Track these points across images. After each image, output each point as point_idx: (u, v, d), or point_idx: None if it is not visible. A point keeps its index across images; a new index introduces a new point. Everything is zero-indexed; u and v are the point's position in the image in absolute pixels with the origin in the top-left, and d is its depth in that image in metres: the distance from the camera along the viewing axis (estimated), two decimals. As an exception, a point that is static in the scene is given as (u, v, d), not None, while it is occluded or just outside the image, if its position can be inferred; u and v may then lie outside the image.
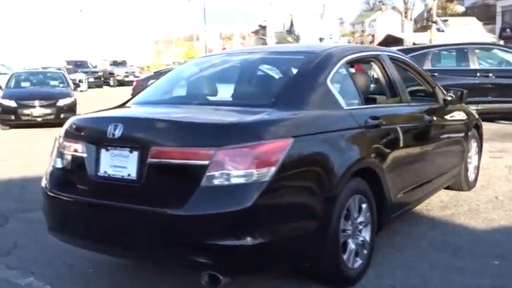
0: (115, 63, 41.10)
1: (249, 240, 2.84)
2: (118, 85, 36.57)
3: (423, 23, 79.11)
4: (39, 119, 13.79)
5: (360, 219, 3.59)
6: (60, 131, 3.67)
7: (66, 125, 3.66)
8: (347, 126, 3.55)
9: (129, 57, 47.58)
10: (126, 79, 36.51)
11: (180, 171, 2.99)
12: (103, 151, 3.28)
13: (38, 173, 7.70)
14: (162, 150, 3.01)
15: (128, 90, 25.06)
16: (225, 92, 3.99)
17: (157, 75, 20.42)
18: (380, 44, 53.01)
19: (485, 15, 72.01)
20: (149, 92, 4.26)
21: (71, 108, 14.21)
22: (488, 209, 5.22)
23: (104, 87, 36.22)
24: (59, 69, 22.66)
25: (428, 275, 3.69)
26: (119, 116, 3.44)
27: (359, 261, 3.57)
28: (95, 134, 3.40)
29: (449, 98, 5.16)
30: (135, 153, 3.13)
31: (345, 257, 3.42)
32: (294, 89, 3.45)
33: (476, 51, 11.35)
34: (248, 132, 2.96)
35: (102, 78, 37.09)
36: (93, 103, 18.97)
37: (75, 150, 3.42)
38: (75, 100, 14.52)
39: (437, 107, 4.99)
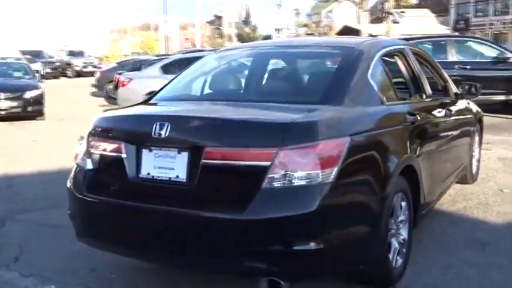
0: (72, 54, 39.80)
1: (313, 245, 2.71)
2: (76, 76, 35.49)
3: (377, 14, 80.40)
4: (3, 112, 13.19)
5: (401, 217, 3.52)
6: (88, 130, 3.44)
7: (96, 123, 3.43)
8: (393, 123, 3.47)
9: (86, 47, 46.23)
10: (85, 70, 35.45)
11: (238, 172, 2.81)
12: (145, 152, 3.08)
13: (21, 170, 7.42)
14: (218, 150, 2.83)
15: (87, 81, 24.35)
16: (262, 87, 3.83)
17: (121, 66, 19.90)
18: (338, 35, 53.51)
19: (438, 7, 73.71)
20: (176, 87, 4.04)
21: (38, 101, 13.64)
22: (497, 202, 5.26)
23: (61, 78, 35.10)
24: (18, 59, 21.71)
25: (466, 273, 3.66)
26: (165, 115, 3.21)
27: (400, 260, 3.50)
28: (135, 134, 3.19)
29: (460, 92, 5.17)
30: (184, 154, 2.94)
31: (390, 256, 3.35)
32: (340, 85, 3.31)
33: (454, 44, 11.53)
34: (312, 131, 2.80)
35: (59, 69, 35.87)
36: (55, 94, 18.38)
37: (112, 150, 3.20)
38: (43, 92, 13.93)
39: (451, 101, 4.98)
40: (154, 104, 3.82)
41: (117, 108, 3.75)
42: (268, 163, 2.71)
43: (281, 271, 2.77)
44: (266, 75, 4.10)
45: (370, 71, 3.51)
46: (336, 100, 3.18)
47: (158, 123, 2.98)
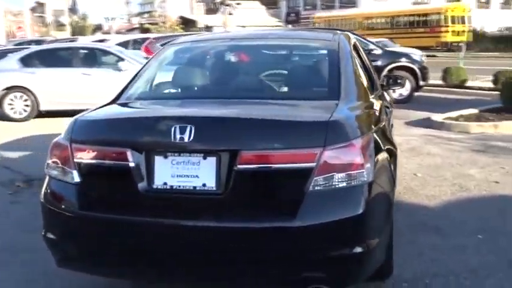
0: None
1: (364, 248, 2.57)
2: None
3: (210, 6, 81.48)
4: None
5: None
6: (67, 135, 2.88)
7: (81, 128, 2.86)
8: (384, 115, 3.47)
9: None
10: None
11: (280, 176, 2.52)
12: (158, 159, 2.61)
13: None
14: (255, 154, 2.50)
15: None
16: (260, 84, 3.54)
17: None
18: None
19: (268, 0, 77.03)
20: (147, 84, 3.57)
21: None
22: (419, 186, 5.56)
23: None
24: None
25: (435, 257, 3.79)
26: (188, 116, 2.73)
27: None
28: (146, 139, 2.70)
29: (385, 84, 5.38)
30: (212, 160, 2.55)
31: None
32: (340, 79, 3.19)
33: None
34: (351, 129, 2.63)
35: None
36: None
37: (114, 159, 2.68)
38: None
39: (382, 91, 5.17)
40: (139, 105, 3.33)
41: (95, 110, 3.20)
42: (312, 164, 2.50)
43: (331, 278, 2.59)
44: (259, 70, 3.81)
45: (354, 64, 3.47)
46: (344, 95, 3.04)
47: (178, 126, 2.55)
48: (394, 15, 39.19)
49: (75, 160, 2.77)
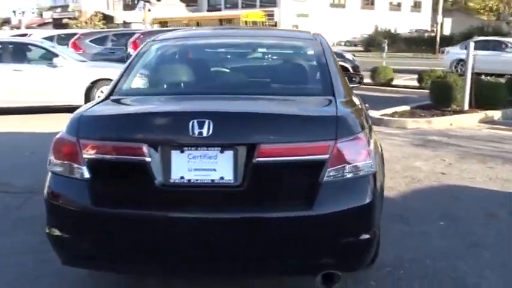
0: None
1: (372, 233, 2.75)
2: None
3: (127, 1, 79.71)
4: None
5: None
6: (72, 131, 2.83)
7: (90, 123, 2.84)
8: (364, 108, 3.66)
9: None
10: None
11: (296, 168, 2.65)
12: (175, 153, 2.65)
13: None
14: (273, 147, 2.61)
15: None
16: (256, 80, 3.61)
17: None
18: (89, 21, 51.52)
19: (186, -3, 76.45)
20: (139, 80, 3.55)
21: None
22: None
23: None
24: None
25: (407, 243, 4.08)
26: (205, 111, 2.76)
27: None
28: (164, 134, 2.72)
29: None
30: (229, 153, 2.64)
31: None
32: (331, 76, 3.35)
33: None
34: (356, 122, 2.81)
35: None
36: None
37: (130, 154, 2.67)
38: None
39: None
40: (143, 101, 3.31)
41: (96, 105, 3.16)
42: (326, 156, 2.65)
43: (342, 262, 2.77)
44: (256, 67, 3.89)
45: (336, 62, 3.66)
46: (335, 91, 3.21)
47: (196, 121, 2.61)
48: (205, 19, 43.12)
49: (84, 156, 2.75)
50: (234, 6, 52.70)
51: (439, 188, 5.59)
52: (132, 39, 14.24)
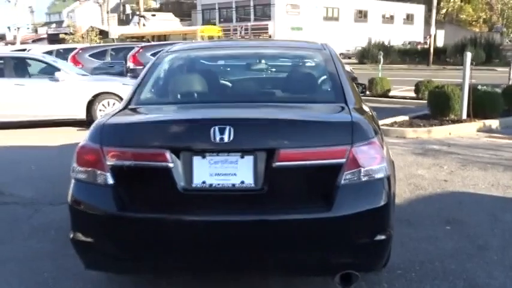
0: None
1: (387, 234, 2.85)
2: None
3: (122, 17, 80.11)
4: None
5: None
6: (95, 139, 2.93)
7: (112, 131, 2.93)
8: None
9: None
10: None
11: (314, 172, 2.75)
12: (197, 159, 2.75)
13: None
14: (292, 152, 2.71)
15: None
16: (271, 88, 3.72)
17: None
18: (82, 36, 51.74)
19: (179, 11, 77.01)
20: (155, 89, 3.64)
21: None
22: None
23: None
24: None
25: (416, 246, 4.18)
26: (225, 118, 2.86)
27: None
28: (186, 140, 2.81)
29: None
30: (249, 158, 2.73)
31: None
32: (342, 84, 3.46)
33: None
34: (369, 128, 2.93)
35: None
36: None
37: (153, 160, 2.77)
38: None
39: None
40: (163, 109, 3.42)
41: (116, 115, 3.25)
42: (343, 160, 2.75)
43: (360, 263, 2.86)
44: (270, 77, 4.00)
45: (345, 70, 3.78)
46: (346, 99, 3.33)
47: (217, 127, 2.72)
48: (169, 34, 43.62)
49: (108, 163, 2.84)
50: (229, 20, 53.10)
51: (442, 195, 5.69)
52: (131, 53, 14.39)
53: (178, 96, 3.70)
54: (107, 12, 69.54)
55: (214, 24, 52.41)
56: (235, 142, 2.73)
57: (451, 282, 3.55)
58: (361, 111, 3.22)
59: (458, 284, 3.53)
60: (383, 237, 2.85)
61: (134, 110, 3.35)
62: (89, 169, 2.89)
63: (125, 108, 3.38)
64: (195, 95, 3.71)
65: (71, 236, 2.97)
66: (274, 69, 4.37)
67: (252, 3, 52.20)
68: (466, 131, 9.48)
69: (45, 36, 67.28)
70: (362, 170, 2.79)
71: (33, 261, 3.97)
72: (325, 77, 3.68)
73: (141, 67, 13.65)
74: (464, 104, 9.94)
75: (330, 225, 2.73)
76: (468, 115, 9.92)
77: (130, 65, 14.07)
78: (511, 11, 14.39)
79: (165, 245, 2.81)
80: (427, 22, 51.90)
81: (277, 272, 2.96)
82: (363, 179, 2.79)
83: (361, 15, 57.04)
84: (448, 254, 4.02)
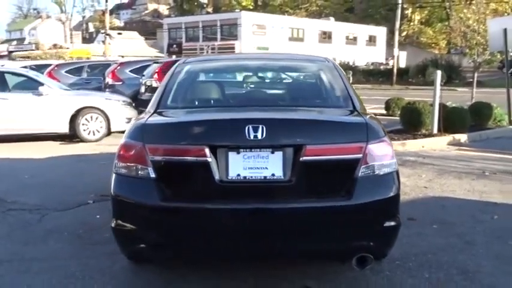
0: None
1: (397, 220, 3.30)
2: None
3: (84, 35, 79.55)
4: None
5: None
6: (137, 137, 3.25)
7: (154, 130, 3.29)
8: None
9: None
10: None
11: (335, 165, 3.16)
12: (231, 154, 3.12)
13: None
14: (317, 148, 3.11)
15: None
16: (285, 95, 4.11)
17: None
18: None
19: (144, 30, 77.08)
20: (179, 96, 3.97)
21: None
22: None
23: None
24: None
25: (408, 241, 4.59)
26: (258, 118, 3.24)
27: None
28: (223, 137, 3.17)
29: None
30: (279, 153, 3.12)
31: None
32: (348, 91, 3.91)
33: None
34: (380, 128, 3.38)
35: None
36: None
37: (193, 156, 3.11)
38: None
39: None
40: (194, 111, 3.79)
41: (153, 116, 3.57)
42: (360, 155, 3.18)
43: (374, 246, 3.26)
44: (284, 85, 4.39)
45: (348, 79, 4.24)
46: (351, 104, 3.78)
47: (251, 126, 3.10)
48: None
49: (150, 158, 3.16)
50: (195, 39, 53.58)
51: (425, 199, 6.17)
52: (110, 70, 14.61)
53: (204, 101, 4.05)
54: (70, 30, 69.21)
55: (180, 44, 52.81)
56: (266, 139, 3.12)
57: (446, 270, 3.98)
58: (369, 114, 3.65)
59: (452, 271, 3.96)
60: (394, 223, 3.28)
61: (166, 113, 3.68)
62: (132, 164, 3.21)
63: (155, 112, 3.70)
64: (220, 100, 4.08)
65: (113, 225, 3.28)
66: (287, 78, 4.78)
67: (218, 23, 52.92)
68: (438, 144, 10.09)
69: (6, 53, 66.28)
70: (376, 164, 3.21)
71: (56, 259, 4.21)
72: (333, 85, 4.11)
73: (120, 83, 13.94)
74: (435, 119, 10.55)
75: (351, 212, 3.14)
76: (439, 130, 10.54)
77: (109, 80, 14.28)
78: (473, 34, 15.24)
79: (203, 233, 3.14)
80: (389, 44, 53.63)
81: (303, 256, 3.34)
82: (377, 172, 3.21)
83: (326, 36, 58.47)
84: (439, 248, 4.46)
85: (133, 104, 11.61)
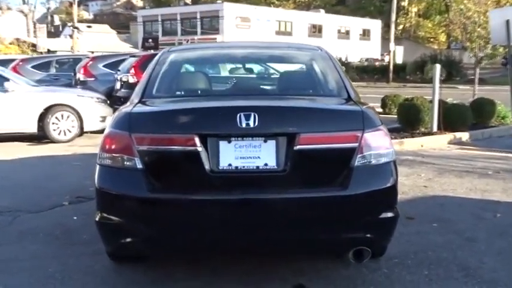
0: None
1: (395, 212, 3.50)
2: None
3: (50, 29, 79.18)
4: None
5: None
6: (122, 126, 3.39)
7: (141, 119, 3.44)
8: None
9: None
10: None
11: (330, 154, 3.34)
12: (223, 143, 3.28)
13: None
14: (311, 136, 3.29)
15: None
16: (278, 83, 4.30)
17: None
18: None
19: (116, 23, 77.00)
20: (166, 84, 4.12)
21: None
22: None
23: None
24: None
25: (407, 239, 4.82)
26: (250, 105, 3.40)
27: None
28: (213, 126, 3.33)
29: None
30: (271, 142, 3.29)
31: None
32: (343, 80, 4.11)
33: None
34: (375, 117, 3.55)
35: None
36: None
37: (182, 145, 3.28)
38: None
39: None
40: (182, 100, 3.94)
41: (139, 105, 3.72)
42: (355, 144, 3.37)
43: (372, 238, 3.45)
44: (278, 73, 4.57)
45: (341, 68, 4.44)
46: (346, 93, 3.97)
47: (242, 114, 3.26)
48: None
49: (137, 148, 3.32)
50: (173, 33, 53.72)
51: (424, 198, 6.40)
52: (82, 65, 14.71)
53: (192, 90, 4.21)
54: (34, 23, 68.78)
55: (157, 38, 52.83)
56: (258, 128, 3.30)
57: (446, 267, 4.19)
58: (364, 103, 3.85)
59: (452, 268, 4.17)
60: (392, 214, 3.48)
61: (152, 102, 3.84)
62: (117, 155, 3.37)
63: (139, 102, 3.85)
64: (208, 89, 4.25)
65: (97, 218, 3.43)
66: (279, 67, 4.97)
67: (198, 16, 53.16)
68: (438, 143, 10.35)
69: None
70: (372, 153, 3.41)
71: (34, 259, 4.35)
72: (327, 74, 4.31)
73: (93, 79, 14.03)
74: (435, 116, 10.81)
75: (347, 203, 3.33)
76: (439, 128, 10.81)
77: (80, 76, 14.37)
78: (474, 26, 15.49)
79: (191, 225, 3.31)
80: (384, 38, 54.23)
81: (298, 249, 3.51)
82: (374, 162, 3.41)
83: (316, 30, 58.99)
84: (439, 245, 4.68)
85: (108, 102, 11.71)
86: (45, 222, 5.41)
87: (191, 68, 4.63)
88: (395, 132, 10.98)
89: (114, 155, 3.40)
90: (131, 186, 3.35)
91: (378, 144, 3.45)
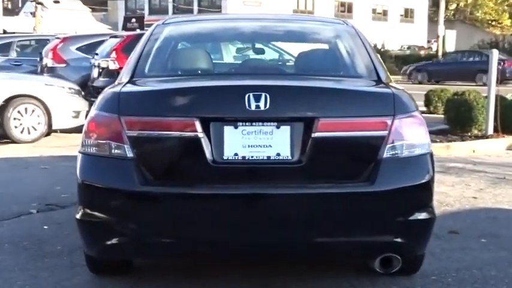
0: None
1: (431, 213, 3.76)
2: None
3: (6, 5, 79.92)
4: None
5: None
6: (109, 108, 3.64)
7: (136, 101, 3.71)
8: None
9: None
10: None
11: (354, 144, 3.62)
12: (228, 129, 3.54)
13: None
14: (332, 122, 3.56)
15: None
16: (297, 61, 4.61)
17: None
18: None
19: (93, 0, 77.55)
20: (161, 61, 4.42)
21: None
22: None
23: None
24: None
25: (449, 256, 5.10)
26: (261, 85, 3.63)
27: None
28: (217, 108, 3.57)
29: None
30: (285, 128, 3.56)
31: None
32: (372, 60, 4.37)
33: None
34: (409, 102, 3.82)
35: None
36: None
37: (180, 130, 3.52)
38: None
39: None
40: (180, 79, 4.20)
41: (130, 84, 3.99)
42: (385, 132, 3.64)
43: (402, 244, 3.69)
44: (298, 49, 4.85)
45: (371, 45, 4.74)
46: (375, 74, 4.23)
47: (251, 94, 3.51)
48: None
49: (128, 134, 3.60)
50: (162, 11, 54.14)
51: (473, 210, 6.69)
52: (50, 48, 14.97)
53: (191, 69, 4.50)
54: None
55: (143, 16, 53.29)
56: (270, 111, 3.55)
57: (493, 286, 4.47)
58: (397, 86, 4.14)
59: (501, 286, 4.45)
60: (427, 216, 3.75)
61: (145, 82, 4.13)
62: (104, 141, 3.64)
63: (129, 81, 4.10)
64: (211, 68, 4.54)
65: (78, 216, 3.71)
66: (296, 43, 5.26)
67: (195, -11, 53.62)
68: (494, 149, 10.60)
69: None
70: (404, 143, 3.68)
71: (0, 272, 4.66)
72: (353, 52, 4.60)
73: (64, 65, 14.31)
74: (491, 115, 10.98)
75: (373, 200, 3.60)
76: (495, 130, 10.98)
77: (48, 62, 14.59)
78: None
79: (190, 224, 3.57)
80: (432, 21, 54.34)
81: (316, 254, 3.79)
82: (406, 154, 3.69)
83: (344, 9, 59.29)
84: (486, 262, 4.96)
85: (83, 93, 11.94)
86: (10, 231, 5.71)
87: (191, 45, 4.90)
88: (442, 134, 11.21)
89: (100, 141, 3.66)
90: (120, 178, 3.61)
91: (411, 133, 3.71)
